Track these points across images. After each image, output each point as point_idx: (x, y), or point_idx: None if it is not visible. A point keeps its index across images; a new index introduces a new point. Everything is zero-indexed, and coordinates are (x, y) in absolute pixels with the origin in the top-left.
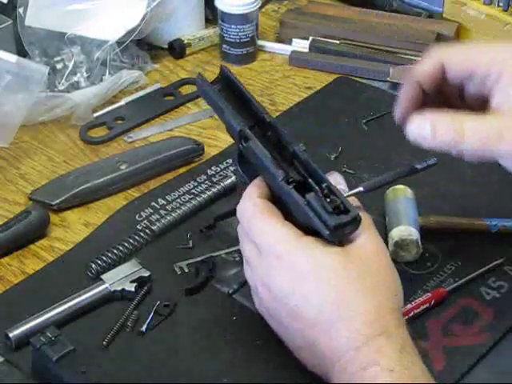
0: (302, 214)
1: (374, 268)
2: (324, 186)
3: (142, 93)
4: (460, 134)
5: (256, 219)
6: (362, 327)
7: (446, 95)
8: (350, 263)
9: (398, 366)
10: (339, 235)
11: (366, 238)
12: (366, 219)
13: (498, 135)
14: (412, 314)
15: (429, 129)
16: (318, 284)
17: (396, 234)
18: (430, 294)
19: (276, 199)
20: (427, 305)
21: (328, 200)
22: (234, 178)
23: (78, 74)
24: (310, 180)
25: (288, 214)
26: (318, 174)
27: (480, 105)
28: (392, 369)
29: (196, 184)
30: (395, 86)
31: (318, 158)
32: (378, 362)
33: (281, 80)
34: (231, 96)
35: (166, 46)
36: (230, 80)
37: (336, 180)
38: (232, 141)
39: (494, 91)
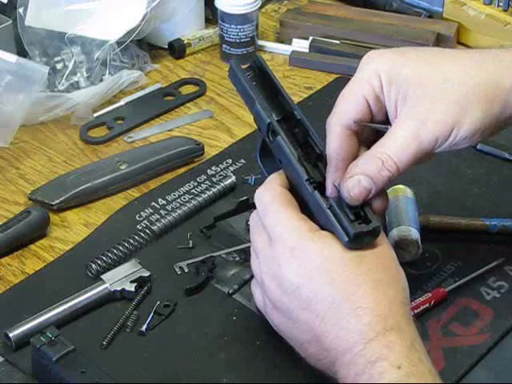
0: (323, 217)
1: (385, 263)
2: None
3: (141, 93)
4: (392, 166)
5: (273, 207)
6: (373, 320)
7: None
8: (363, 257)
9: (405, 362)
10: (358, 244)
11: (380, 237)
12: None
13: (416, 139)
14: (412, 314)
15: (367, 181)
16: (330, 277)
17: (396, 233)
18: (430, 294)
19: (296, 194)
20: (427, 305)
21: (350, 207)
22: (233, 178)
23: (78, 74)
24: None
25: (306, 209)
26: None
27: None
28: (400, 365)
29: (196, 184)
30: None
31: None
32: (386, 357)
33: (281, 80)
34: (262, 86)
35: (166, 46)
36: (263, 69)
37: None
38: (232, 141)
39: (386, 105)
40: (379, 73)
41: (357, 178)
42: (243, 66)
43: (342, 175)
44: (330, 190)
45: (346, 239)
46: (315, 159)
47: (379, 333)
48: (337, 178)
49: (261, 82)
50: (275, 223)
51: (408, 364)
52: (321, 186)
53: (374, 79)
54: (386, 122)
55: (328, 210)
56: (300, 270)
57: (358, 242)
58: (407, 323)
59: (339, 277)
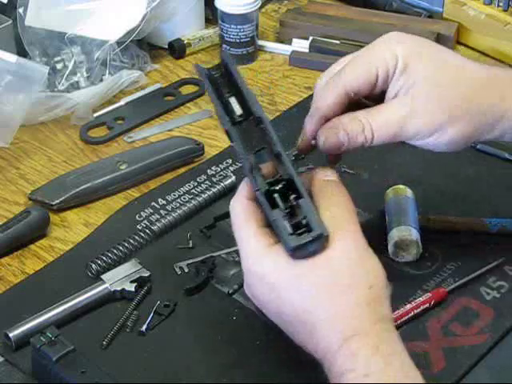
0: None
1: (339, 266)
2: (292, 198)
3: (141, 93)
4: (369, 135)
5: (237, 223)
6: (331, 334)
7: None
8: (314, 266)
9: (372, 368)
10: (304, 254)
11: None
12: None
13: (400, 125)
14: (412, 313)
15: (344, 137)
16: (287, 293)
17: (396, 234)
18: (430, 294)
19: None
20: (427, 305)
21: (292, 218)
22: (234, 178)
23: (78, 74)
24: (276, 196)
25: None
26: (294, 183)
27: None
28: (367, 373)
29: (196, 184)
30: None
31: (317, 159)
32: (353, 368)
33: (281, 80)
34: (229, 83)
35: (166, 46)
36: (228, 68)
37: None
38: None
39: (389, 86)
40: (397, 56)
41: (335, 131)
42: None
43: (316, 130)
44: (308, 134)
45: (289, 253)
46: (271, 159)
47: (340, 344)
48: (314, 130)
49: (228, 79)
50: (240, 240)
51: (375, 369)
52: (273, 193)
53: (390, 59)
54: (376, 99)
55: (273, 224)
56: (262, 289)
57: (303, 252)
58: (373, 323)
59: (295, 292)
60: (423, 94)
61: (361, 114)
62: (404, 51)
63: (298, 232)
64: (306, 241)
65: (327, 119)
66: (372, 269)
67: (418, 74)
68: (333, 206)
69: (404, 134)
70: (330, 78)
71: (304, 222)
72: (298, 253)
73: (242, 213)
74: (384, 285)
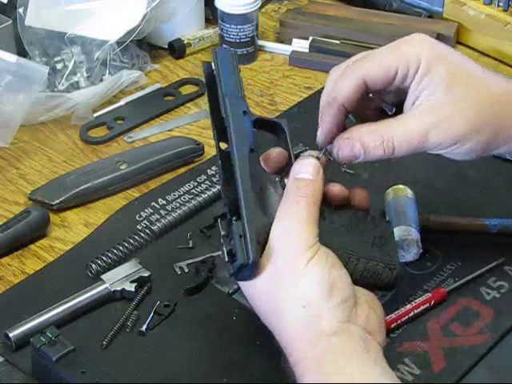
0: None
1: (274, 290)
2: (234, 222)
3: (141, 93)
4: (390, 148)
5: None
6: (287, 352)
7: (362, 107)
8: (259, 293)
9: None
10: (244, 279)
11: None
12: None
13: (423, 137)
14: (412, 313)
15: (360, 151)
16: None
17: (396, 234)
18: (430, 294)
19: None
20: (427, 305)
21: (229, 246)
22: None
23: (78, 74)
24: (219, 221)
25: None
26: (237, 205)
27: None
28: None
29: (196, 184)
30: None
31: None
32: None
33: (281, 80)
34: (213, 90)
35: (166, 46)
36: (212, 77)
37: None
38: None
39: (411, 89)
40: (421, 58)
41: (352, 143)
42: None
43: (334, 122)
44: (326, 126)
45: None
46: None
47: (295, 365)
48: (332, 122)
49: (213, 86)
50: None
51: None
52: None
53: (413, 60)
54: (389, 102)
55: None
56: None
57: (241, 278)
58: (311, 345)
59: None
60: (447, 104)
61: (381, 128)
62: (428, 53)
63: (234, 259)
64: (232, 272)
65: (346, 109)
66: (309, 287)
67: (442, 80)
68: (286, 218)
69: (426, 145)
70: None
71: (234, 249)
72: (239, 280)
73: None
74: (325, 298)
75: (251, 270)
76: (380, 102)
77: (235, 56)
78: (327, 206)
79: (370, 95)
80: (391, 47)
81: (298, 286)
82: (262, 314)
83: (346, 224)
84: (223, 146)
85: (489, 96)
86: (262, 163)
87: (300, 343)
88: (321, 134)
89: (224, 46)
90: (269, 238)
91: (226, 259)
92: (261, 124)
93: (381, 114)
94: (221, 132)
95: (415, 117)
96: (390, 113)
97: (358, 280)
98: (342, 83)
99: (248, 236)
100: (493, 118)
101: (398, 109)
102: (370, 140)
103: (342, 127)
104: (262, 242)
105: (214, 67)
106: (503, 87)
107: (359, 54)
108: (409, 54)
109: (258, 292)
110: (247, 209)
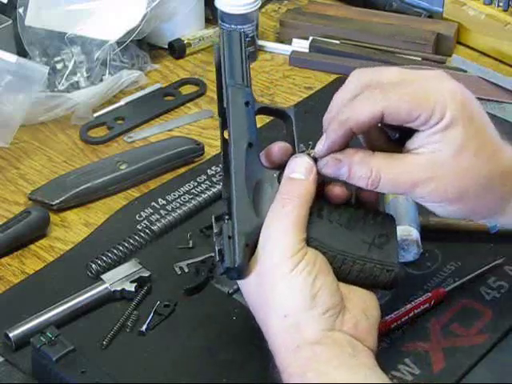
0: None
1: (256, 299)
2: (225, 221)
3: (141, 93)
4: (374, 184)
5: None
6: (275, 357)
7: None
8: (247, 295)
9: None
10: (231, 278)
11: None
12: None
13: (410, 188)
14: (412, 313)
15: (346, 173)
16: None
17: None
18: (430, 294)
19: None
20: (427, 305)
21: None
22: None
23: (78, 74)
24: (212, 217)
25: None
26: (228, 208)
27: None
28: None
29: (196, 184)
30: None
31: None
32: None
33: (281, 80)
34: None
35: (166, 46)
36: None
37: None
38: None
39: (422, 134)
40: (445, 112)
41: (340, 165)
42: None
43: (338, 141)
44: (329, 143)
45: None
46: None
47: (281, 371)
48: (337, 142)
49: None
50: None
51: None
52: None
53: (438, 112)
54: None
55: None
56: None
57: (230, 278)
58: (294, 353)
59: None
60: (449, 167)
61: (374, 162)
62: (454, 108)
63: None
64: (221, 271)
65: (354, 133)
66: (291, 296)
67: (455, 143)
68: (273, 223)
69: (410, 194)
70: (366, 86)
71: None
72: (228, 277)
73: None
74: (307, 308)
75: (237, 273)
76: (384, 126)
77: (244, 37)
78: (327, 205)
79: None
80: (420, 86)
81: (280, 294)
82: (255, 316)
83: (345, 223)
84: (227, 135)
85: (493, 172)
86: (263, 158)
87: (284, 352)
88: (322, 146)
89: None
90: (258, 240)
91: (217, 258)
92: (266, 112)
93: (386, 136)
94: (225, 121)
95: (412, 166)
96: (392, 138)
97: (354, 281)
98: (359, 108)
99: (236, 239)
100: (487, 194)
101: (402, 134)
102: (357, 170)
103: (345, 147)
104: (252, 245)
105: (220, 51)
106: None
107: (385, 71)
108: (436, 104)
109: (247, 293)
110: (238, 210)
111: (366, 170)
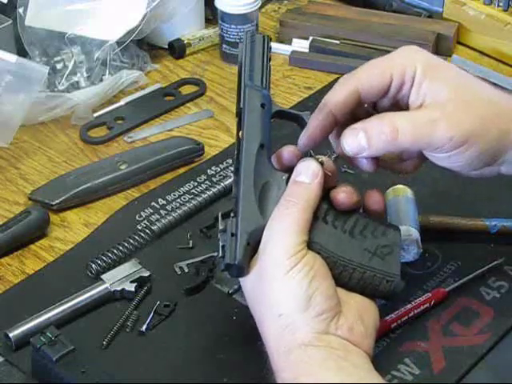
0: None
1: (252, 298)
2: (232, 218)
3: (141, 93)
4: (394, 133)
5: None
6: (270, 358)
7: (356, 116)
8: (246, 293)
9: None
10: (231, 275)
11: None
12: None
13: (430, 124)
14: (412, 313)
15: (363, 138)
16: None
17: None
18: (430, 294)
19: None
20: (427, 305)
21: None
22: (234, 177)
23: (78, 74)
24: (219, 214)
25: None
26: (235, 205)
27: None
28: None
29: (196, 184)
30: None
31: None
32: None
33: (281, 80)
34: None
35: (166, 46)
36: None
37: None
38: (232, 141)
39: (411, 92)
40: (416, 63)
41: (355, 132)
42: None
43: (319, 126)
44: (310, 128)
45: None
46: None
47: (275, 372)
48: (317, 126)
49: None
50: None
51: None
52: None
53: (408, 66)
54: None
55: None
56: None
57: (231, 275)
58: (287, 356)
59: None
60: (454, 101)
61: (388, 117)
62: (423, 59)
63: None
64: (222, 268)
65: (335, 117)
66: (285, 297)
67: (445, 81)
68: (275, 224)
69: (432, 139)
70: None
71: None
72: (229, 273)
73: None
74: (301, 309)
75: (237, 270)
76: (374, 110)
77: (268, 41)
78: (333, 211)
79: (365, 105)
80: (384, 57)
81: (276, 294)
82: (253, 314)
83: (349, 230)
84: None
85: (486, 105)
86: (274, 160)
87: (277, 353)
88: (303, 136)
89: (224, 45)
90: (261, 240)
91: (220, 254)
92: (282, 115)
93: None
94: (240, 121)
95: (421, 112)
96: None
97: (354, 288)
98: (334, 90)
99: (239, 236)
100: (490, 128)
101: None
102: (374, 127)
103: (327, 134)
104: (254, 244)
105: (242, 52)
106: (498, 99)
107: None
108: (403, 61)
109: (246, 291)
110: (243, 209)
111: (381, 125)
